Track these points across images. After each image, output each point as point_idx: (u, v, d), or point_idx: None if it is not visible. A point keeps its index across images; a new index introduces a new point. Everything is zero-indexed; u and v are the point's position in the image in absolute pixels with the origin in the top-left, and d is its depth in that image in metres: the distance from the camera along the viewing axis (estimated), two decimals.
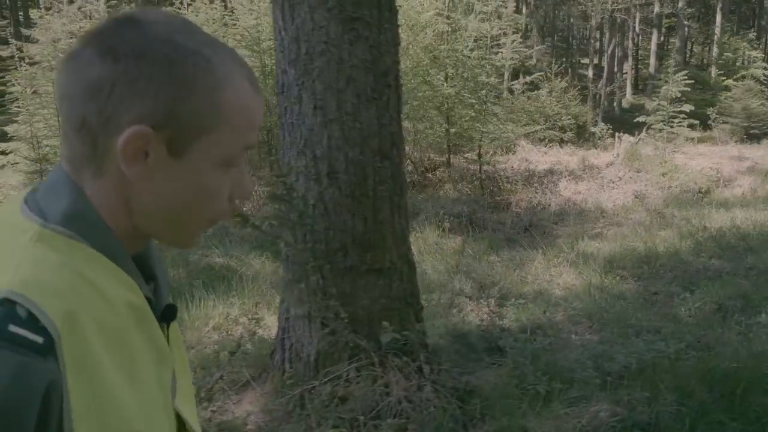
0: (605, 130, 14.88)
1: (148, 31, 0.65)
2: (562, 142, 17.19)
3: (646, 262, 6.69)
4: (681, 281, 5.91)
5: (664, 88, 12.18)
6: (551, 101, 17.71)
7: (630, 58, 40.65)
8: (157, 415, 0.71)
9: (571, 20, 28.84)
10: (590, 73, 26.12)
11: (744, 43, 30.20)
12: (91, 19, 12.94)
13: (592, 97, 25.18)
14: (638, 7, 39.86)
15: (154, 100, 0.64)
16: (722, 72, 28.56)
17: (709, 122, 22.77)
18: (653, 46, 37.40)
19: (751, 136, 25.94)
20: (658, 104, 12.06)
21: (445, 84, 10.99)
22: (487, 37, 10.85)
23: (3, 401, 0.55)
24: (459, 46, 11.21)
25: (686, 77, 12.37)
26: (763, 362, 3.41)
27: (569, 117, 17.66)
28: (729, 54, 28.99)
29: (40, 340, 0.58)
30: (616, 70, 34.44)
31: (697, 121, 13.85)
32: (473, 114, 10.97)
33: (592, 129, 18.32)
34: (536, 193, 10.87)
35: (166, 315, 0.77)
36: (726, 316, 4.65)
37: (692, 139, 14.62)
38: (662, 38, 38.94)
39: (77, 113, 0.65)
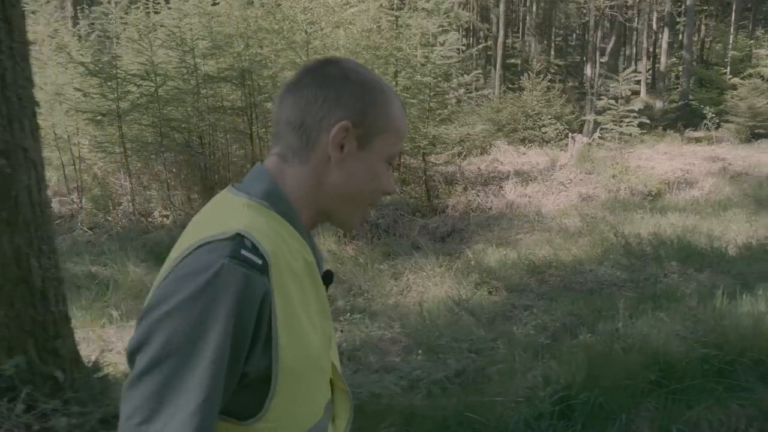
0: (562, 131, 14.23)
1: (344, 65, 0.97)
2: (543, 142, 16.61)
3: (538, 272, 6.23)
4: (553, 294, 5.44)
5: (612, 86, 11.55)
6: (533, 101, 17.14)
7: (645, 58, 39.64)
8: (323, 355, 0.96)
9: (568, 18, 28.05)
10: (589, 72, 25.29)
11: (752, 41, 29.05)
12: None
13: (590, 96, 24.45)
14: (651, 5, 38.78)
15: (353, 108, 0.94)
16: (725, 71, 27.50)
17: (705, 122, 21.87)
18: (664, 45, 36.36)
19: (756, 135, 24.98)
20: (607, 103, 11.44)
21: (395, 84, 10.60)
22: (428, 34, 10.39)
23: (236, 299, 0.80)
24: (402, 44, 10.80)
25: (635, 74, 11.72)
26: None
27: (549, 117, 17.04)
28: (735, 52, 27.89)
29: (259, 261, 0.83)
30: (622, 68, 33.54)
31: (648, 121, 13.13)
32: (416, 114, 10.53)
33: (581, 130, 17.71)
34: (478, 196, 10.40)
35: (326, 279, 1.01)
36: (555, 335, 4.19)
37: (638, 137, 13.83)
38: (681, 36, 37.64)
39: (299, 117, 0.95)
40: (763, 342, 3.03)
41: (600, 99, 12.50)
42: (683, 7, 30.85)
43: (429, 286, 5.88)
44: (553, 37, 31.24)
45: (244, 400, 0.87)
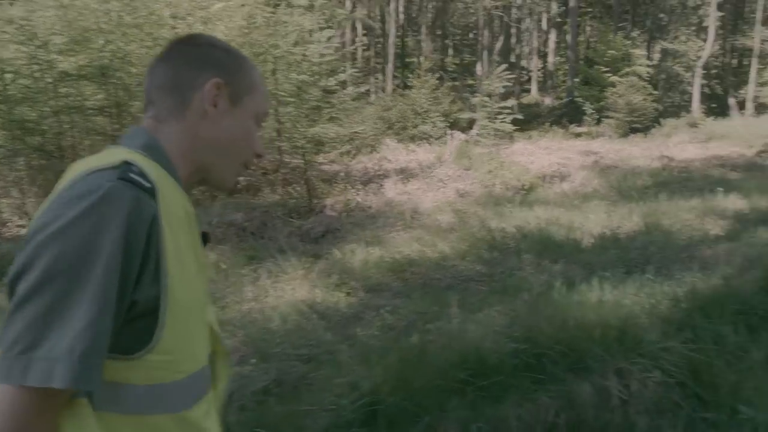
0: (442, 128, 14.51)
1: (208, 37, 1.10)
2: (431, 139, 16.82)
3: (400, 270, 6.20)
4: (410, 292, 5.41)
5: (485, 83, 11.85)
6: (421, 99, 17.33)
7: (536, 57, 41.26)
8: (205, 306, 1.01)
9: (459, 18, 28.72)
10: (479, 70, 26.00)
11: (628, 42, 30.89)
12: None
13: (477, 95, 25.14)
14: (537, 5, 40.37)
15: (223, 67, 1.04)
16: (608, 69, 29.08)
17: (585, 118, 23.01)
18: (552, 45, 38.01)
19: (634, 129, 26.58)
20: (481, 100, 11.72)
21: (274, 81, 10.30)
22: (306, 31, 10.20)
23: (126, 218, 0.80)
24: (278, 41, 10.55)
25: (508, 72, 12.10)
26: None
27: (437, 114, 17.30)
28: (613, 52, 29.54)
29: (148, 185, 0.86)
30: (505, 68, 34.78)
31: (521, 116, 13.63)
32: (294, 112, 10.31)
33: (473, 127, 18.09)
34: (358, 194, 10.34)
35: (203, 238, 1.02)
36: (399, 335, 4.13)
37: (516, 133, 14.33)
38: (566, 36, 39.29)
39: (172, 80, 1.02)
40: (571, 333, 3.07)
41: (475, 96, 12.75)
42: (566, 9, 32.32)
43: (287, 290, 5.70)
44: (450, 36, 31.89)
45: (133, 332, 0.85)
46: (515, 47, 35.33)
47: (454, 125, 18.53)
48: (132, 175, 0.84)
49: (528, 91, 40.41)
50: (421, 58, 21.71)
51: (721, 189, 8.76)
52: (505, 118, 11.84)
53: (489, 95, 11.59)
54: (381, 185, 10.83)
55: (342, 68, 11.60)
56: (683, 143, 18.82)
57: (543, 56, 41.20)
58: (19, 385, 0.74)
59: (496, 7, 22.71)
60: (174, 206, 0.90)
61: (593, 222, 7.61)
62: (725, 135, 21.55)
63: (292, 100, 10.50)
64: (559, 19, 37.27)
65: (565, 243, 6.77)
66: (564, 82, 33.99)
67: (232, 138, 1.03)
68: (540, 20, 40.14)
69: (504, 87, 11.85)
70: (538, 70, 40.38)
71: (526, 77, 41.42)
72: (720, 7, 33.73)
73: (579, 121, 26.52)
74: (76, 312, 0.75)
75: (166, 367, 0.88)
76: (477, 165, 10.73)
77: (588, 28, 42.65)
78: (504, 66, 12.53)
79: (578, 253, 6.35)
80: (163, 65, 1.04)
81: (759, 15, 33.71)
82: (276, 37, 10.47)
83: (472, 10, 23.97)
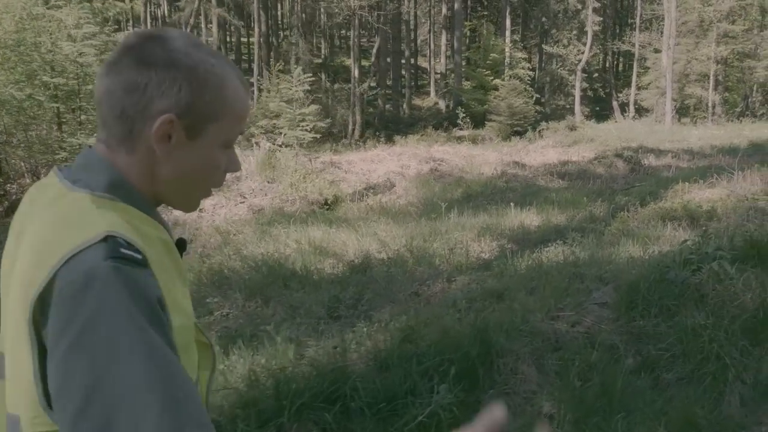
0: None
1: (170, 46, 0.87)
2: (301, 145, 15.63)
3: None
4: None
5: (283, 87, 10.79)
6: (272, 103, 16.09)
7: (432, 58, 40.93)
8: (193, 321, 0.94)
9: (330, 18, 27.69)
10: (355, 73, 25.04)
11: (509, 44, 30.88)
12: None
13: (357, 99, 24.18)
14: (434, 6, 40.06)
15: (177, 96, 0.86)
16: (489, 72, 28.90)
17: (458, 121, 22.48)
18: (443, 47, 37.78)
19: (516, 132, 26.42)
20: (279, 105, 10.65)
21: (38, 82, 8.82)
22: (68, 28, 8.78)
23: (133, 300, 0.74)
24: (45, 38, 9.07)
25: (310, 76, 11.10)
26: None
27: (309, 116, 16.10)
28: (495, 55, 29.40)
29: (139, 257, 0.79)
30: (393, 69, 34.15)
31: (324, 125, 12.70)
32: (49, 119, 8.87)
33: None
34: None
35: (180, 246, 0.97)
36: None
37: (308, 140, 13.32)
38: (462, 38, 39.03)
39: (119, 105, 0.86)
40: None
41: (273, 101, 11.64)
42: (452, 11, 31.96)
43: None
44: (327, 37, 30.82)
45: None
46: (404, 48, 34.68)
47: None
48: (122, 251, 0.77)
49: (428, 93, 40.17)
50: (282, 60, 20.49)
51: (512, 203, 7.99)
52: (306, 126, 10.76)
53: (289, 100, 10.49)
54: None
55: None
56: (546, 147, 18.48)
57: (437, 58, 41.01)
58: None
59: (362, 7, 21.73)
60: (157, 254, 0.85)
61: (355, 246, 6.61)
62: (594, 138, 21.50)
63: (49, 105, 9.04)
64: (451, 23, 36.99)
65: (302, 275, 5.72)
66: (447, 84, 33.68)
67: (191, 173, 0.91)
68: (434, 22, 39.89)
69: (304, 91, 10.79)
70: (436, 73, 40.15)
71: (426, 79, 41.22)
72: (600, 12, 34.41)
73: (461, 125, 26.14)
74: (137, 412, 0.67)
75: None
76: (280, 177, 9.62)
77: (485, 32, 42.72)
78: (299, 69, 11.45)
79: (299, 289, 5.31)
80: (111, 81, 0.87)
81: (638, 21, 34.62)
82: (39, 35, 9.01)
83: (337, 10, 22.89)
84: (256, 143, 10.48)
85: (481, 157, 15.84)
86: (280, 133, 15.08)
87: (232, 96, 0.90)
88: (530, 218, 7.63)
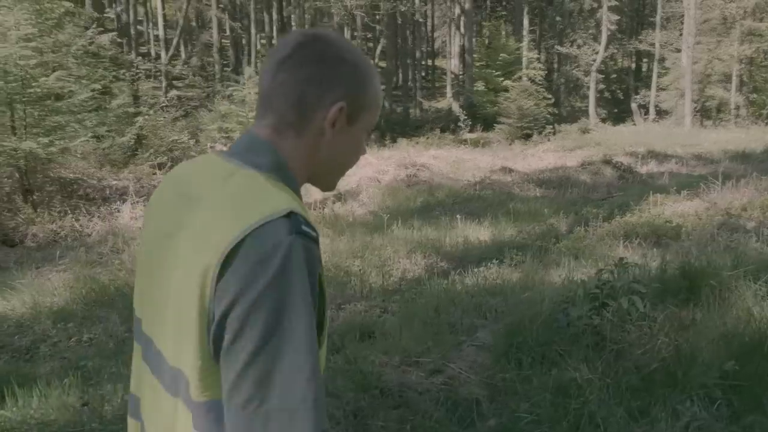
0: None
1: (336, 45, 1.00)
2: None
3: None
4: None
5: (235, 90, 10.25)
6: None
7: (451, 59, 40.12)
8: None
9: (331, 19, 27.15)
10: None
11: (522, 45, 29.97)
12: None
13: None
14: (438, 6, 39.24)
15: (349, 88, 0.99)
16: (500, 73, 28.08)
17: (459, 124, 21.77)
18: (456, 47, 36.94)
19: (527, 136, 25.54)
20: (229, 108, 10.12)
21: None
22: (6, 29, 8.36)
23: (308, 272, 0.84)
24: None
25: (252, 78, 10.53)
26: None
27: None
28: (505, 55, 28.55)
29: (314, 234, 0.89)
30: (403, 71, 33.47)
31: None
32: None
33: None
34: (78, 220, 8.59)
35: None
36: None
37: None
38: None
39: (294, 94, 0.97)
40: None
41: (223, 103, 11.09)
42: (463, 11, 31.13)
43: None
44: None
45: None
46: (414, 48, 34.00)
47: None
48: (303, 228, 0.86)
49: (446, 95, 39.39)
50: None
51: (459, 216, 7.31)
52: None
53: (243, 101, 9.95)
54: (119, 209, 9.09)
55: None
56: (547, 151, 17.68)
57: (454, 59, 40.20)
58: None
59: (359, 7, 21.14)
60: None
61: None
62: (601, 142, 20.59)
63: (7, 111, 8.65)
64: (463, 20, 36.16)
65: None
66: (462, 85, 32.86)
67: (346, 153, 1.05)
68: (452, 22, 39.05)
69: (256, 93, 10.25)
70: (451, 73, 39.33)
71: (446, 81, 40.42)
72: (618, 11, 33.22)
73: (470, 127, 25.38)
74: (295, 367, 0.81)
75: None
76: None
77: (495, 31, 41.82)
78: (251, 70, 10.89)
79: None
80: (287, 75, 0.98)
81: (658, 19, 33.34)
82: None
83: (333, 11, 22.33)
84: (210, 147, 9.95)
85: (473, 161, 15.15)
86: None
87: (377, 89, 1.05)
88: (480, 232, 6.97)
